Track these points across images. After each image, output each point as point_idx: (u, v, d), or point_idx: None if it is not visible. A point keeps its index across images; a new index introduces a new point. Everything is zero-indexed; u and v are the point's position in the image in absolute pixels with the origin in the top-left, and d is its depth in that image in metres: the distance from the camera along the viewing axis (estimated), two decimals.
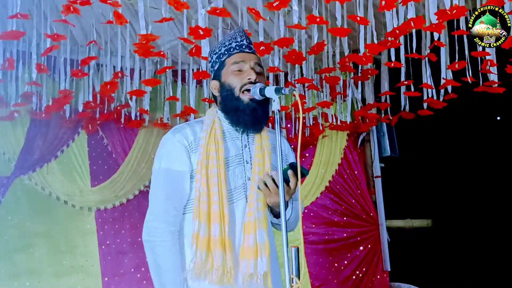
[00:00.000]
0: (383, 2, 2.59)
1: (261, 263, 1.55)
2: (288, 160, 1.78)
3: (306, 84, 3.86)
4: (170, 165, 1.65)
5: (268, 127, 1.80)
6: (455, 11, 2.57)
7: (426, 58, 3.46)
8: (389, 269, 4.80)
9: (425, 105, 3.79)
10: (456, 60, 3.25)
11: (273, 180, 1.59)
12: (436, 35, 2.94)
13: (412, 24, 2.72)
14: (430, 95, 3.67)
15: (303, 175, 1.56)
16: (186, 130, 1.70)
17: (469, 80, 3.34)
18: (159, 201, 1.65)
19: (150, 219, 1.65)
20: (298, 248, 1.45)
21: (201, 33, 2.68)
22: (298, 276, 1.43)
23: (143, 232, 1.65)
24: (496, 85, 3.34)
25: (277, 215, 1.67)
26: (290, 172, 1.58)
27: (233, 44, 1.72)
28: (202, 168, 1.61)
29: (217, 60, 1.75)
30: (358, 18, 2.69)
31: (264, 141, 1.71)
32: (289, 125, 4.53)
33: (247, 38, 1.76)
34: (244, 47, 1.72)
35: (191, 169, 1.65)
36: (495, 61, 3.16)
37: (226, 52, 1.72)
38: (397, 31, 2.87)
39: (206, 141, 1.65)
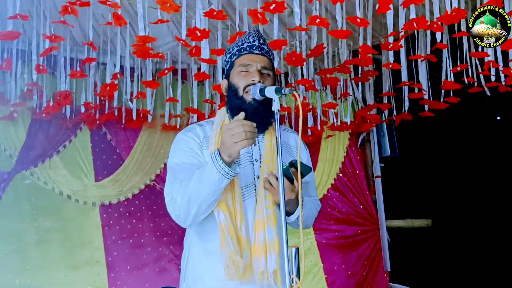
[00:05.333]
0: (377, 6, 2.59)
1: (271, 260, 1.56)
2: (301, 158, 1.78)
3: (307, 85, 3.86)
4: (183, 158, 1.68)
5: (285, 123, 1.81)
6: (454, 13, 2.57)
7: (425, 60, 3.47)
8: (389, 269, 4.81)
9: (426, 106, 3.80)
10: (457, 62, 3.26)
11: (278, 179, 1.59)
12: (438, 37, 2.93)
13: (415, 25, 2.72)
14: (430, 96, 3.68)
15: (306, 173, 1.56)
16: (197, 129, 1.74)
17: (466, 81, 3.35)
18: (169, 186, 1.65)
19: (168, 204, 1.64)
20: (298, 248, 1.45)
21: (199, 34, 2.68)
22: (298, 276, 1.43)
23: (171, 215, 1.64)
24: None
25: (287, 213, 1.65)
26: (293, 170, 1.58)
27: (245, 45, 1.74)
28: None
29: (228, 59, 1.78)
30: (358, 20, 2.69)
31: (274, 140, 1.72)
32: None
33: (260, 38, 1.76)
34: (254, 48, 1.73)
35: (204, 162, 1.65)
36: (497, 62, 3.17)
37: (236, 53, 1.74)
38: (402, 32, 2.88)
39: (216, 139, 1.66)
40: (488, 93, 3.48)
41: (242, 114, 1.52)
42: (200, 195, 1.53)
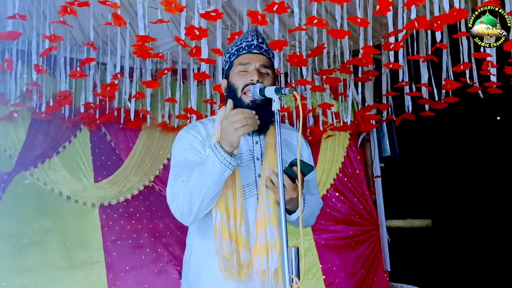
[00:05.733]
0: (377, 7, 2.59)
1: (272, 260, 1.56)
2: (302, 156, 1.78)
3: (308, 86, 3.85)
4: (185, 155, 1.67)
5: (285, 123, 1.80)
6: (455, 13, 2.57)
7: (426, 60, 3.46)
8: (389, 269, 4.81)
9: (427, 106, 3.79)
10: (457, 62, 3.26)
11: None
12: (438, 37, 2.93)
13: (416, 24, 2.71)
14: (429, 96, 3.68)
15: (308, 172, 1.56)
16: (199, 127, 1.74)
17: (468, 82, 3.35)
18: (170, 186, 1.65)
19: (170, 203, 1.64)
20: (298, 248, 1.44)
21: (197, 33, 2.68)
22: (298, 276, 1.43)
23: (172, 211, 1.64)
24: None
25: (288, 212, 1.66)
26: (295, 168, 1.56)
27: (243, 44, 1.73)
28: None
29: (228, 59, 1.77)
30: (359, 20, 2.69)
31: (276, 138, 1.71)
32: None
33: (259, 37, 1.76)
34: (253, 47, 1.72)
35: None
36: (495, 63, 3.17)
37: (235, 52, 1.74)
38: (404, 32, 2.87)
39: (218, 137, 1.65)
40: (481, 96, 3.49)
41: (230, 102, 1.58)
42: (202, 188, 1.52)
